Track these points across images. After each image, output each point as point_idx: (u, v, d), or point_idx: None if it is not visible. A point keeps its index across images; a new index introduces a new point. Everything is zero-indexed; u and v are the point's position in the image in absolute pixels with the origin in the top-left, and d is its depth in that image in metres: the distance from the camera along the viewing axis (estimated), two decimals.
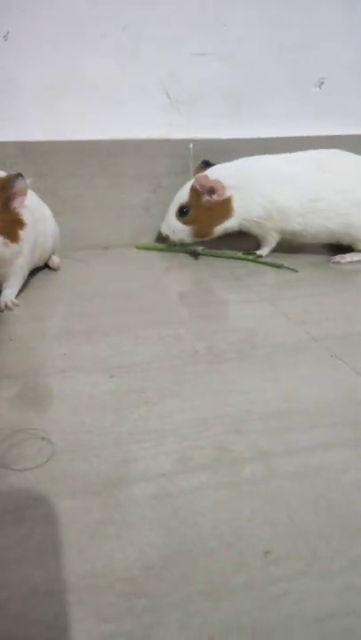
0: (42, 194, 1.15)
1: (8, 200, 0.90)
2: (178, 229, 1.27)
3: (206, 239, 1.28)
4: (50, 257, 1.20)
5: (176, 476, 0.53)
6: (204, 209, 1.22)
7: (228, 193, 1.21)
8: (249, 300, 1.02)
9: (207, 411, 0.65)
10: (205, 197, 1.21)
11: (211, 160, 1.32)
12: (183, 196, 1.26)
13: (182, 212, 1.25)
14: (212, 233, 1.26)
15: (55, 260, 1.21)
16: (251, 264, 1.26)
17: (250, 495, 0.51)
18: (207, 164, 1.29)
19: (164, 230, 1.30)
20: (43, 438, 0.59)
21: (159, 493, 0.51)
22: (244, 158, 1.27)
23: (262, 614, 0.39)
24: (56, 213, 1.20)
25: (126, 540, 0.45)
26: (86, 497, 0.50)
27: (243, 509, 0.49)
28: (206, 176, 1.22)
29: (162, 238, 1.35)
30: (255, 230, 1.27)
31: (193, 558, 0.43)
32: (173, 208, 1.27)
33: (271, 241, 1.27)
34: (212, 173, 1.22)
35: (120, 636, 0.38)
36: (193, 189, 1.23)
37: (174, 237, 1.29)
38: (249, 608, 0.40)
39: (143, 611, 0.39)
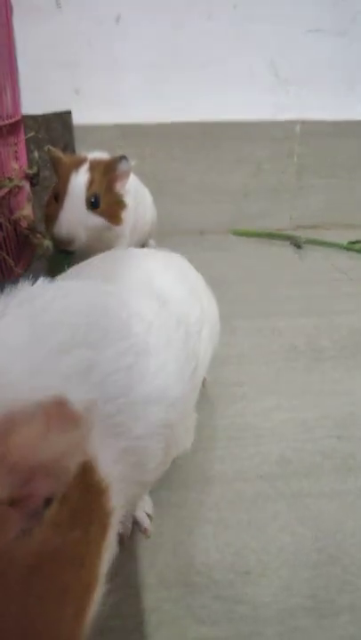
0: (142, 177, 1.16)
1: (111, 182, 0.91)
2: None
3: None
4: (147, 240, 1.21)
5: (275, 479, 0.51)
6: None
7: None
8: (353, 294, 0.96)
9: (307, 411, 0.62)
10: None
11: (319, 143, 1.25)
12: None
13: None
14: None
15: (152, 244, 1.22)
16: (356, 255, 1.19)
17: (353, 507, 0.48)
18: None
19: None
20: None
21: (257, 495, 0.49)
22: None
23: None
24: (155, 196, 1.20)
25: (222, 541, 0.44)
26: (179, 491, 0.49)
27: (347, 522, 0.46)
28: None
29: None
30: None
31: (294, 569, 0.41)
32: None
33: None
34: None
35: None
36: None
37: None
38: (355, 632, 0.37)
39: (242, 618, 0.38)
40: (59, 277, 0.50)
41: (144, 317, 0.38)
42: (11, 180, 0.96)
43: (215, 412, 0.61)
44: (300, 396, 0.64)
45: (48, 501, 0.24)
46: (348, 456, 0.54)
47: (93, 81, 1.19)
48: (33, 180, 1.12)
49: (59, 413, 0.23)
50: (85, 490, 0.27)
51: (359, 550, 0.43)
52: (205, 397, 0.64)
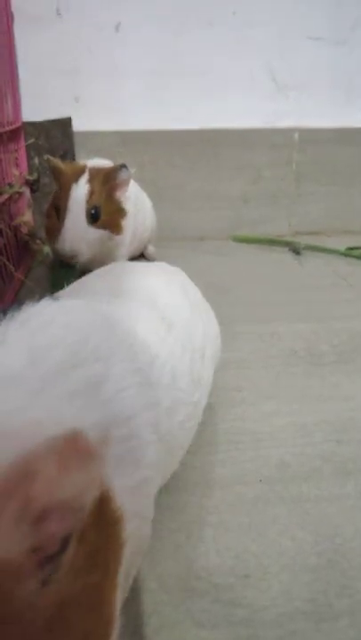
0: (142, 183, 1.17)
1: (112, 190, 0.91)
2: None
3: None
4: (146, 247, 1.22)
5: (275, 483, 0.51)
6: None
7: None
8: (352, 300, 0.97)
9: (306, 416, 0.62)
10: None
11: (317, 151, 1.25)
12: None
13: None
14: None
15: (151, 250, 1.22)
16: (355, 261, 1.19)
17: (353, 511, 0.48)
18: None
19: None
20: None
21: (257, 499, 0.49)
22: None
23: None
24: (154, 203, 1.20)
25: (222, 545, 0.44)
26: (179, 495, 0.49)
27: (346, 526, 0.46)
28: None
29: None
30: None
31: (293, 573, 0.41)
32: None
33: None
34: None
35: None
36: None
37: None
38: (354, 636, 0.37)
39: (241, 621, 0.38)
40: (62, 292, 0.50)
41: (149, 348, 0.38)
42: (11, 186, 0.97)
43: (215, 416, 0.61)
44: (299, 401, 0.65)
45: (65, 543, 0.22)
46: (348, 460, 0.54)
47: (93, 88, 1.20)
48: (33, 186, 1.13)
49: (75, 449, 0.22)
50: (101, 523, 0.25)
51: (358, 554, 0.43)
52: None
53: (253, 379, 0.70)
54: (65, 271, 0.86)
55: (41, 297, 0.34)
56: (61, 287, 0.52)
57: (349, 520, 0.47)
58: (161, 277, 0.54)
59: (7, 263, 0.91)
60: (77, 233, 0.83)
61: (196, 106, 1.29)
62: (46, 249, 0.99)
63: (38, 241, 1.01)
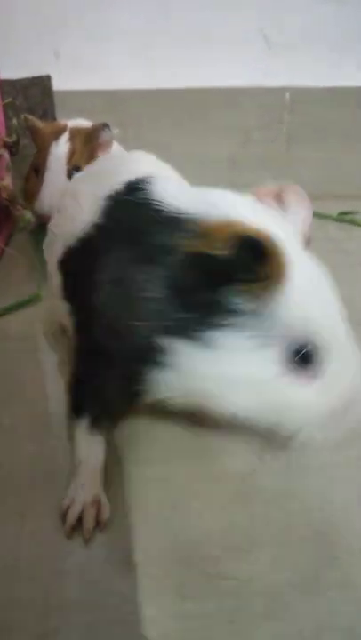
0: (126, 145, 1.12)
1: (94, 151, 0.87)
2: None
3: None
4: None
5: (263, 452, 0.49)
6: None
7: None
8: (344, 265, 0.95)
9: None
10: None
11: (309, 112, 1.21)
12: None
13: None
14: None
15: None
16: (347, 226, 1.17)
17: (345, 481, 0.47)
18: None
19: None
20: None
21: (245, 469, 0.48)
22: None
23: (358, 619, 0.35)
24: None
25: (209, 517, 0.43)
26: (164, 466, 0.48)
27: (336, 496, 0.45)
28: None
29: None
30: None
31: (281, 545, 0.40)
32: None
33: None
34: None
35: (201, 616, 0.36)
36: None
37: None
38: (342, 608, 0.36)
39: (227, 593, 0.37)
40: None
41: None
42: None
43: None
44: None
45: None
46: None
47: (75, 44, 1.14)
48: (12, 148, 1.07)
49: None
50: None
51: (349, 526, 0.42)
52: None
53: None
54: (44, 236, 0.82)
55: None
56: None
57: (340, 489, 0.46)
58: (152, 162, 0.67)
59: None
60: (57, 191, 0.79)
61: (183, 65, 1.23)
62: (28, 214, 0.95)
63: (19, 206, 0.97)
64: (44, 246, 0.62)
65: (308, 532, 0.41)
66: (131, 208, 0.43)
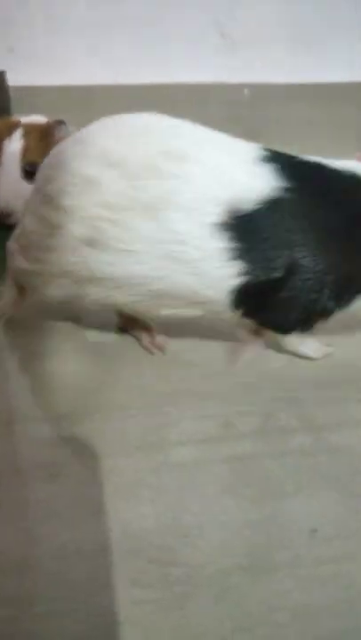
0: None
1: (49, 147, 0.86)
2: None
3: None
4: None
5: (219, 443, 0.50)
6: None
7: None
8: None
9: (251, 376, 0.60)
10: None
11: (268, 108, 1.22)
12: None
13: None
14: None
15: None
16: None
17: (295, 468, 0.47)
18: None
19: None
20: None
21: (198, 459, 0.48)
22: None
23: (307, 596, 0.36)
24: None
25: (161, 506, 0.43)
26: (118, 457, 0.48)
27: (287, 482, 0.46)
28: None
29: None
30: None
31: (233, 530, 0.41)
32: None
33: None
34: None
35: (152, 603, 0.36)
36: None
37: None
38: (292, 588, 0.37)
39: (177, 580, 0.37)
40: None
41: None
42: None
43: (159, 379, 0.59)
44: (246, 360, 0.63)
45: None
46: (293, 418, 0.54)
47: (30, 39, 1.13)
48: None
49: None
50: None
51: (298, 510, 0.43)
52: (148, 361, 0.62)
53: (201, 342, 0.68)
54: (3, 233, 0.81)
55: None
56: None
57: (290, 476, 0.46)
58: None
59: None
60: (12, 189, 0.78)
61: (140, 60, 1.23)
62: None
63: None
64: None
65: (260, 516, 0.42)
66: None
